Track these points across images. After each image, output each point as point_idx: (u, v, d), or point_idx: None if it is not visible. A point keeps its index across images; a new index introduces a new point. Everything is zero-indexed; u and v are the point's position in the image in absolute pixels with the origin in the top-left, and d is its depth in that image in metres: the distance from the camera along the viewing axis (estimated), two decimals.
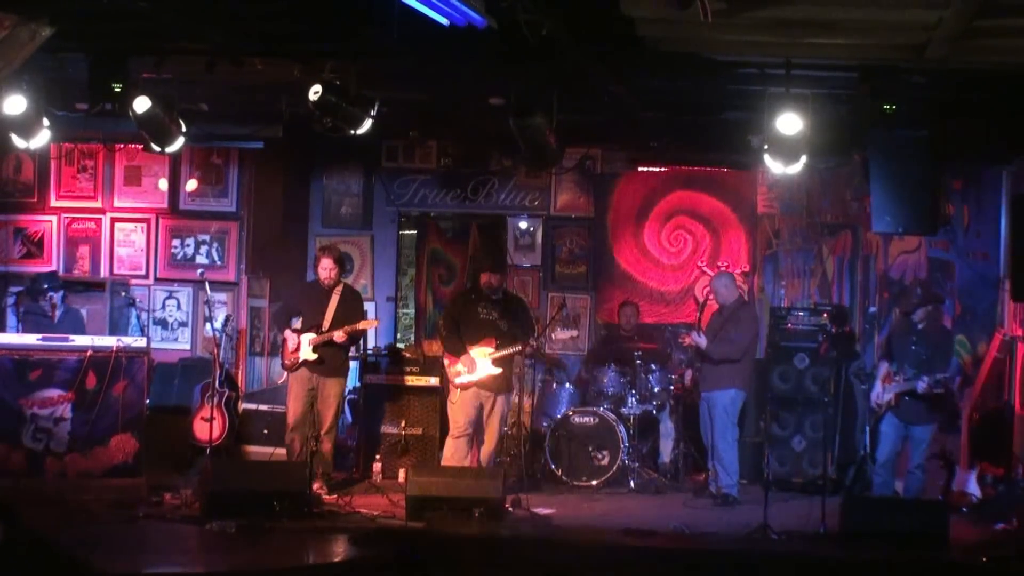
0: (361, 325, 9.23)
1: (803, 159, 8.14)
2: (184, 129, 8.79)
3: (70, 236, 11.53)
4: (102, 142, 10.86)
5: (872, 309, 10.22)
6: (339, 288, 9.30)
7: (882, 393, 8.76)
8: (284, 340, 9.30)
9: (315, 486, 8.58)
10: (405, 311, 12.40)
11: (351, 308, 9.30)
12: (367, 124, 8.09)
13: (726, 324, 9.49)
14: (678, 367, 10.41)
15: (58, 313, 9.72)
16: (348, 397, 10.89)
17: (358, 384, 10.67)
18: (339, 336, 9.09)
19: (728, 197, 11.42)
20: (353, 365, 10.83)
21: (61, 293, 9.76)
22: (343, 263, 9.51)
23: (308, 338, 9.11)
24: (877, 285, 10.75)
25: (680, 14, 6.18)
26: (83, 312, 10.22)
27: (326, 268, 9.21)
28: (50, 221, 11.53)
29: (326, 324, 9.15)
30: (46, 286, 9.76)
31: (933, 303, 8.97)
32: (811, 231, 11.13)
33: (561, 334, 9.70)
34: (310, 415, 9.16)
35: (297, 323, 9.35)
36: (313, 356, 9.08)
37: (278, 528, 7.69)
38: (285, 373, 9.58)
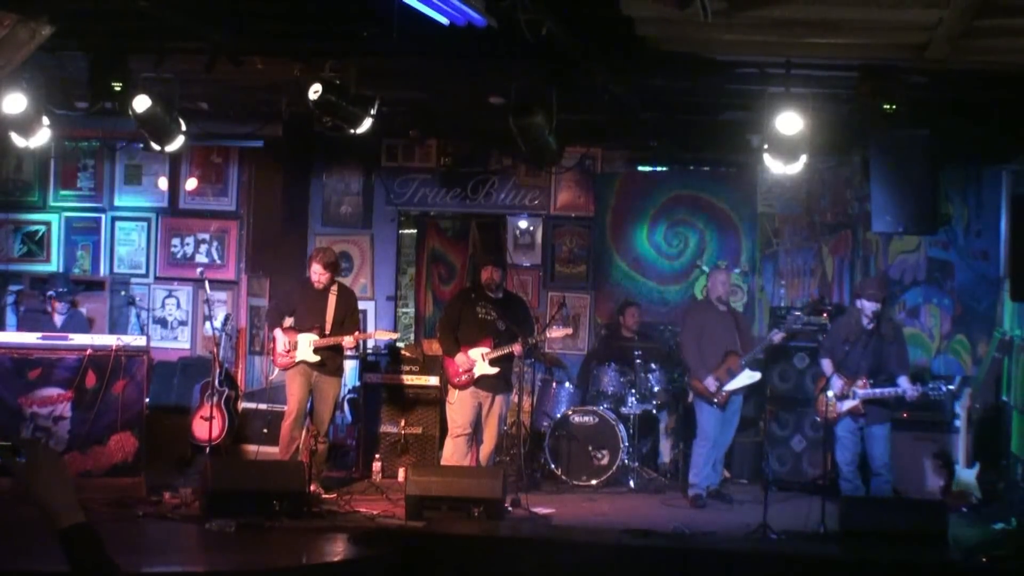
0: (379, 335, 9.21)
1: (803, 159, 8.14)
2: (184, 128, 8.79)
3: (70, 235, 11.54)
4: (102, 141, 10.87)
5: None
6: (335, 288, 9.28)
7: (849, 394, 8.56)
8: (274, 339, 9.27)
9: (311, 487, 8.57)
10: (405, 310, 12.41)
11: (349, 307, 9.29)
12: (367, 123, 8.08)
13: (738, 318, 9.60)
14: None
15: (61, 318, 9.74)
16: (348, 396, 10.93)
17: (358, 383, 10.68)
18: (349, 342, 9.08)
19: (728, 197, 11.41)
20: (352, 364, 10.86)
21: (66, 304, 9.78)
22: (336, 266, 9.35)
23: (309, 339, 9.07)
24: None
25: (680, 14, 6.19)
26: (83, 311, 10.23)
27: (316, 272, 9.15)
28: (50, 220, 11.54)
29: (328, 326, 9.13)
30: (61, 290, 9.78)
31: (887, 299, 8.85)
32: (811, 231, 11.13)
33: (557, 333, 9.67)
34: (307, 409, 9.20)
35: (287, 321, 9.33)
36: (315, 358, 9.05)
37: (278, 527, 7.69)
38: (277, 370, 9.57)
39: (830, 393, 8.52)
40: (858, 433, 8.64)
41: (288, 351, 9.09)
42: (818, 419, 8.86)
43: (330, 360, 9.13)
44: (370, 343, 10.65)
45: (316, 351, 9.05)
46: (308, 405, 9.20)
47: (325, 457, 9.33)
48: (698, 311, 9.72)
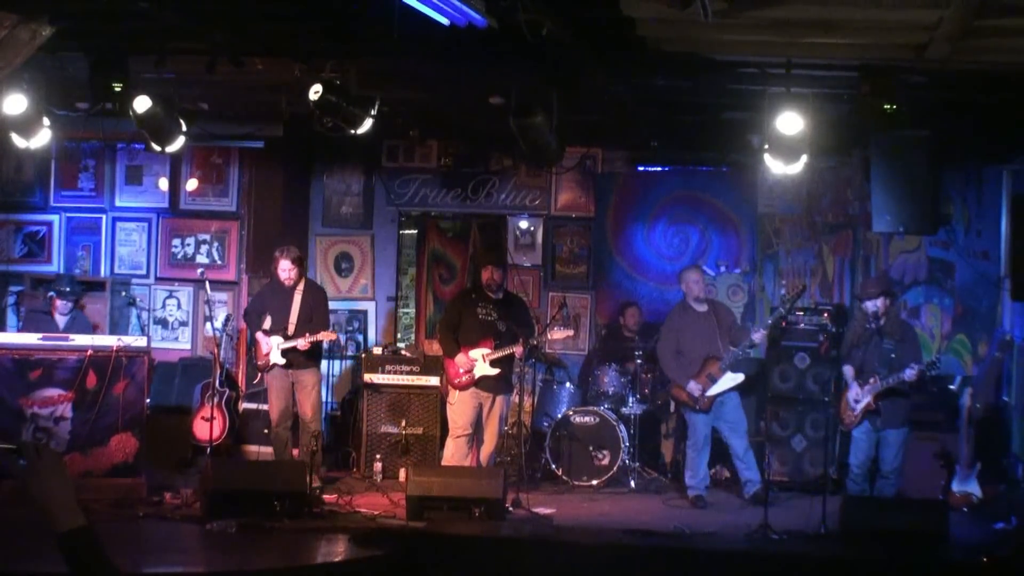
0: (321, 336, 9.24)
1: (804, 159, 8.13)
2: (184, 128, 8.80)
3: (71, 235, 11.54)
4: (103, 141, 10.87)
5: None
6: (301, 286, 9.35)
7: (861, 397, 8.58)
8: (257, 342, 9.39)
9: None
10: (405, 311, 12.40)
11: (314, 305, 9.36)
12: (367, 124, 8.09)
13: (720, 315, 9.53)
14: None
15: (63, 319, 9.74)
16: (347, 397, 10.95)
17: (359, 383, 10.68)
18: (302, 345, 9.15)
19: (728, 197, 11.40)
20: (353, 364, 10.86)
21: (69, 303, 9.78)
22: (303, 263, 9.51)
23: (277, 342, 9.22)
24: None
25: (680, 14, 6.19)
26: (87, 311, 10.23)
27: (284, 270, 9.27)
28: (51, 220, 11.54)
29: (291, 327, 9.24)
30: (66, 289, 9.80)
31: (888, 296, 8.83)
32: (812, 231, 11.12)
33: (559, 334, 9.65)
34: (293, 408, 9.28)
35: (266, 323, 9.38)
36: (282, 361, 9.20)
37: (278, 528, 7.70)
38: (260, 374, 9.64)
39: (853, 385, 8.61)
40: (873, 436, 8.63)
41: (266, 354, 9.20)
42: (842, 429, 8.91)
43: (297, 359, 9.22)
44: (371, 343, 10.70)
45: (283, 353, 9.16)
46: (292, 404, 9.28)
47: (320, 445, 9.37)
48: (674, 317, 9.62)
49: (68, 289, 9.86)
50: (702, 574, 7.36)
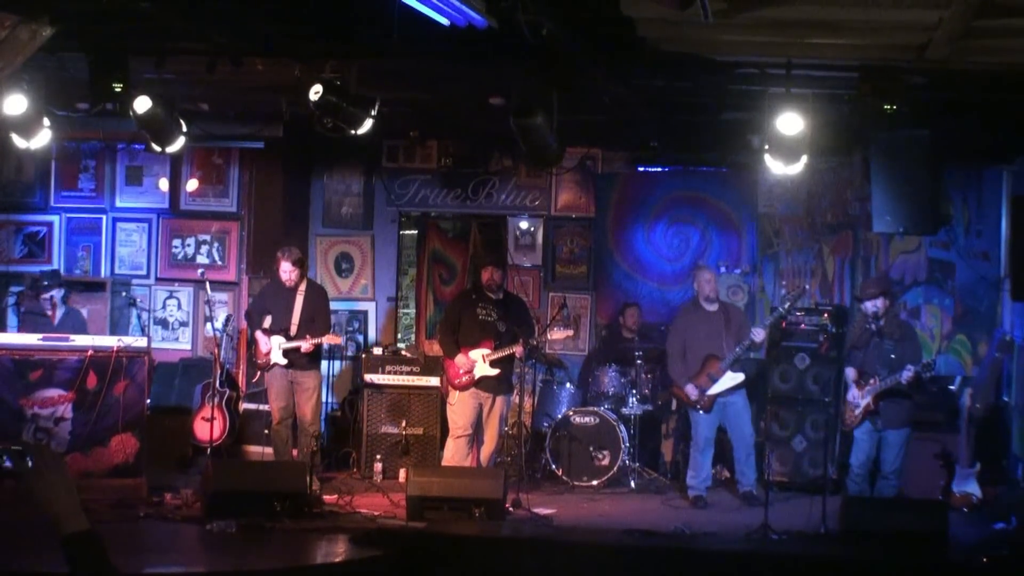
0: (326, 340, 9.26)
1: (804, 159, 8.13)
2: (185, 129, 8.80)
3: (71, 236, 11.54)
4: (103, 141, 10.87)
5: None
6: (303, 287, 9.35)
7: (859, 398, 8.60)
8: (256, 341, 9.39)
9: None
10: (406, 311, 12.41)
11: (316, 306, 9.36)
12: (367, 124, 8.09)
13: (731, 315, 9.54)
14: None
15: (58, 314, 9.74)
16: (348, 397, 10.95)
17: (359, 384, 10.69)
18: (306, 348, 9.16)
19: (728, 197, 11.40)
20: (352, 364, 10.85)
21: (62, 292, 9.78)
22: (304, 263, 9.52)
23: (278, 341, 9.22)
24: None
25: (680, 14, 6.20)
26: (84, 312, 10.23)
27: (285, 271, 9.28)
28: (51, 221, 11.54)
29: (293, 327, 9.24)
30: (46, 283, 9.78)
31: (887, 296, 8.82)
32: (812, 231, 11.12)
33: (559, 334, 9.66)
34: (293, 407, 9.29)
35: (267, 322, 9.39)
36: (283, 361, 9.20)
37: (278, 528, 7.70)
38: (260, 373, 9.65)
39: (852, 387, 8.65)
40: (874, 436, 8.63)
41: (266, 353, 9.19)
42: (843, 429, 8.94)
43: (299, 360, 9.22)
44: (371, 343, 10.71)
45: (284, 353, 9.16)
46: (292, 403, 9.28)
47: (318, 446, 9.37)
48: (682, 316, 9.68)
49: (48, 283, 9.82)
50: (702, 574, 7.35)
